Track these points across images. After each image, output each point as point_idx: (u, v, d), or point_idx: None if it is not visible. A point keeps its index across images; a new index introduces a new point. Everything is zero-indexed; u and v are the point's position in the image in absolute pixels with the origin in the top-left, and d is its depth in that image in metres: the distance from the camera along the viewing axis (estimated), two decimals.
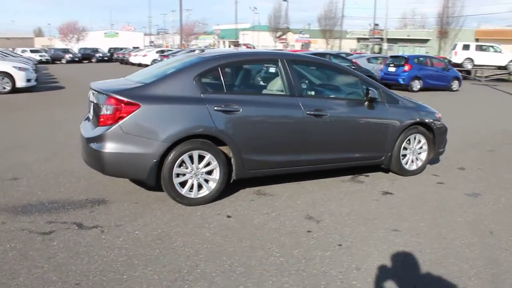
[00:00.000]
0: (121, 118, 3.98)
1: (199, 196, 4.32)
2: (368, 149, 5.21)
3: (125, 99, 4.00)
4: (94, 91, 4.47)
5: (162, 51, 32.92)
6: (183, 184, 4.26)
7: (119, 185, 4.85)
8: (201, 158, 4.27)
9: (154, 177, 4.13)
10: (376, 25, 52.60)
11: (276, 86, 4.76)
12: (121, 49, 43.80)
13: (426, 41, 57.88)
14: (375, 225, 4.02)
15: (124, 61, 36.96)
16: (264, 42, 66.00)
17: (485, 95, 18.27)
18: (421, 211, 4.41)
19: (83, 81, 20.16)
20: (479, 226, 4.09)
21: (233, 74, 4.64)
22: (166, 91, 4.17)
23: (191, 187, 4.29)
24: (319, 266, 3.24)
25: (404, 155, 5.49)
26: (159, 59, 28.32)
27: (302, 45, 63.96)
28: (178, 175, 4.20)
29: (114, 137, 3.99)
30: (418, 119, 5.46)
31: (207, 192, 4.35)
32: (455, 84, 18.95)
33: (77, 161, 5.77)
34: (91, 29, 79.11)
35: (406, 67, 17.75)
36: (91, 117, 4.56)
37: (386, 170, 5.69)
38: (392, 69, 18.13)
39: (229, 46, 72.63)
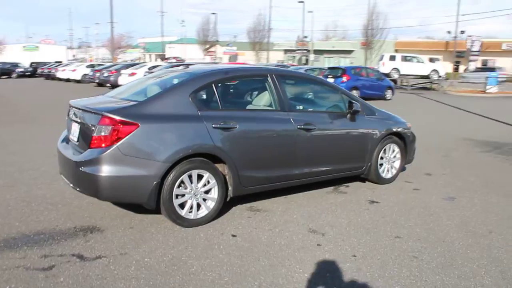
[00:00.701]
0: (119, 139, 3.79)
1: (198, 216, 4.23)
2: (351, 160, 5.43)
3: (123, 119, 3.82)
4: (78, 110, 4.22)
5: (93, 66, 31.57)
6: (181, 205, 4.14)
7: (103, 210, 4.59)
8: (199, 177, 4.19)
9: (155, 200, 3.97)
10: (305, 37, 54.76)
11: (267, 101, 4.82)
12: (45, 63, 41.15)
13: (350, 52, 61.29)
14: (377, 234, 4.20)
15: (50, 76, 34.78)
16: (192, 55, 65.74)
17: (417, 103, 19.72)
18: (412, 217, 4.67)
19: (14, 98, 18.73)
20: (467, 227, 4.43)
21: (226, 90, 4.62)
22: (163, 109, 4.05)
23: (190, 208, 4.18)
24: (345, 277, 3.31)
25: (381, 164, 5.79)
26: (90, 73, 27.06)
27: (230, 58, 64.71)
28: (177, 196, 4.08)
29: (112, 160, 3.78)
30: (393, 129, 5.80)
31: (206, 212, 4.27)
32: (388, 93, 20.27)
33: (45, 186, 5.42)
34: (7, 42, 73.80)
35: (344, 78, 18.69)
36: (75, 138, 4.28)
37: (363, 180, 5.95)
38: (330, 80, 18.95)
39: (155, 60, 71.34)
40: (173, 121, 4.05)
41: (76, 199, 4.92)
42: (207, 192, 4.26)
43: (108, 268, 3.36)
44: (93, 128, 3.91)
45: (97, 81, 25.50)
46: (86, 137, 4.03)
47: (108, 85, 23.83)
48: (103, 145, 3.84)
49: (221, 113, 4.36)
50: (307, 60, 61.35)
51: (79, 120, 4.22)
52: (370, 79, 19.84)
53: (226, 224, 4.33)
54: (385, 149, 5.79)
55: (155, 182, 3.90)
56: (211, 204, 4.28)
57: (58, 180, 5.58)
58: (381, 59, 30.61)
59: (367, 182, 5.94)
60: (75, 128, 4.33)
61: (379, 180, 5.82)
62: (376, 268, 3.50)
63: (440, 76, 29.91)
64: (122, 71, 21.72)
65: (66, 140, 4.67)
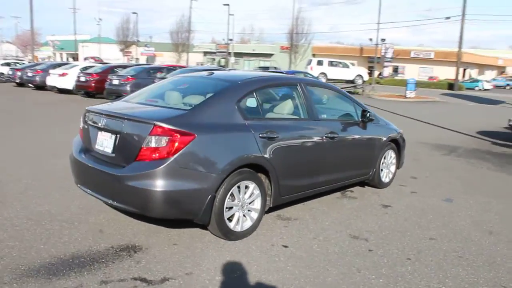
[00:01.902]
0: (176, 150, 3.60)
1: (244, 229, 4.17)
2: (363, 166, 5.70)
3: (179, 129, 3.64)
4: (112, 118, 3.94)
5: (8, 64, 28.74)
6: (229, 218, 4.05)
7: (128, 226, 4.32)
8: (245, 188, 4.14)
9: (209, 214, 3.84)
10: (231, 40, 55.11)
11: (297, 110, 4.87)
12: None
13: (270, 55, 63.00)
14: (413, 237, 4.48)
15: None
16: (107, 55, 62.78)
17: None
18: (430, 219, 5.05)
19: None
20: (482, 226, 4.91)
21: (264, 98, 4.57)
22: (213, 119, 3.94)
23: (237, 221, 4.11)
24: (418, 280, 3.51)
25: (381, 170, 6.14)
26: (10, 72, 24.57)
27: (147, 59, 63.04)
28: (227, 208, 3.99)
29: (168, 173, 3.58)
30: (392, 136, 6.19)
31: (250, 224, 4.22)
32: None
33: (42, 200, 4.96)
34: None
35: None
36: (108, 150, 3.97)
37: (362, 185, 6.26)
38: None
39: (67, 59, 66.91)
40: (225, 131, 3.95)
41: (88, 215, 4.57)
42: (250, 203, 4.21)
43: None
44: (141, 138, 3.68)
45: (18, 80, 23.24)
46: (129, 149, 3.77)
47: (31, 85, 21.90)
48: (154, 156, 3.62)
49: (264, 122, 4.35)
50: (226, 63, 61.88)
51: (114, 129, 3.92)
52: None
53: (269, 235, 4.31)
54: (385, 155, 6.14)
55: (210, 196, 3.78)
56: (254, 215, 4.24)
57: (49, 192, 5.26)
58: (309, 63, 32.07)
59: (366, 187, 6.25)
60: (105, 138, 4.02)
61: (380, 185, 6.16)
62: (434, 269, 3.75)
63: (364, 81, 32.05)
64: (51, 71, 20.05)
65: (85, 150, 4.31)
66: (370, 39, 41.38)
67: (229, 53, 60.22)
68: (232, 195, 3.99)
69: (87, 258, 3.62)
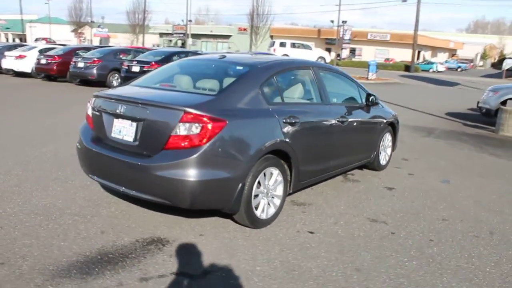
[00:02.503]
0: (209, 138, 3.49)
1: (268, 216, 4.14)
2: (367, 149, 5.79)
3: (212, 115, 3.51)
4: (131, 104, 3.76)
5: None
6: (255, 206, 4.00)
7: (145, 217, 4.17)
8: (270, 175, 4.09)
9: (239, 203, 3.77)
10: (190, 21, 53.92)
11: (312, 94, 4.85)
12: None
13: (228, 36, 62.35)
14: (426, 218, 4.62)
15: None
16: (58, 36, 59.72)
17: None
18: (435, 201, 5.22)
19: None
20: (484, 206, 5.14)
21: (282, 83, 4.49)
22: (240, 104, 3.84)
23: (263, 208, 4.07)
24: (447, 261, 3.63)
25: (380, 152, 6.27)
26: None
27: (101, 40, 60.70)
28: (254, 196, 3.93)
29: (201, 162, 3.46)
30: (389, 119, 6.30)
31: (274, 211, 4.19)
32: None
33: (41, 193, 4.74)
34: None
35: None
36: (129, 138, 3.78)
37: (360, 167, 6.37)
38: None
39: (13, 40, 63.04)
40: (253, 117, 3.87)
41: (98, 207, 4.38)
42: (274, 189, 4.18)
43: (229, 282, 3.14)
44: (170, 126, 3.52)
45: None
46: (155, 137, 3.61)
47: None
48: (184, 144, 3.49)
49: (285, 107, 4.29)
50: (183, 44, 60.69)
51: (135, 116, 3.73)
52: None
53: (290, 221, 4.30)
54: (383, 138, 6.26)
55: (240, 184, 3.70)
56: (277, 201, 4.22)
57: (47, 184, 5.04)
58: (272, 45, 32.01)
59: (364, 169, 6.36)
60: (124, 126, 3.83)
61: (378, 167, 6.30)
62: (458, 249, 3.90)
63: (326, 63, 32.43)
64: (7, 54, 18.78)
65: (96, 139, 4.10)
66: (332, 21, 41.76)
67: (187, 35, 59.01)
68: (258, 182, 3.93)
69: (115, 254, 3.46)
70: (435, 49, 68.24)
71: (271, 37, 55.75)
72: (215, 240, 3.80)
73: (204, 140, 3.47)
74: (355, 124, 5.36)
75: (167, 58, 14.23)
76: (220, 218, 4.21)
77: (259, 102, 4.00)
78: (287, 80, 4.66)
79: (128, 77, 14.14)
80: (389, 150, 6.54)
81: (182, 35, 59.85)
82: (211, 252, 3.57)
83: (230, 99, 3.80)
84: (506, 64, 62.88)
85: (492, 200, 5.37)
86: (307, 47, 32.20)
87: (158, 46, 55.20)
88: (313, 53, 32.02)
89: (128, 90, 4.31)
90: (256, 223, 3.98)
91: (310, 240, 3.91)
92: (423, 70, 51.08)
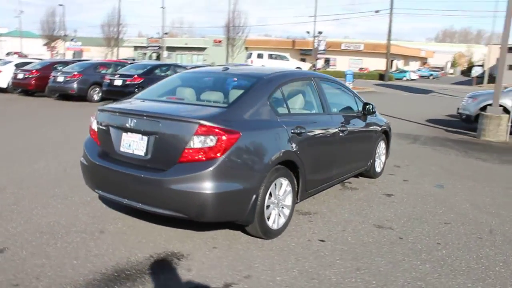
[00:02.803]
0: (224, 150, 3.51)
1: (279, 226, 4.16)
2: (364, 157, 5.90)
3: (226, 128, 3.54)
4: (141, 117, 3.75)
5: None
6: (267, 216, 4.03)
7: (151, 231, 4.12)
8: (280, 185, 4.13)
9: (253, 214, 3.78)
10: (166, 33, 53.78)
11: (314, 104, 4.92)
12: None
13: (203, 49, 62.44)
14: (429, 223, 4.74)
15: None
16: (29, 50, 58.53)
17: None
18: (434, 205, 5.36)
19: None
20: (481, 208, 5.31)
21: (287, 94, 4.54)
22: (251, 115, 3.88)
23: (274, 218, 4.10)
24: (458, 262, 3.73)
25: (375, 160, 6.39)
26: None
27: (74, 54, 59.83)
28: (266, 207, 3.96)
29: (218, 174, 3.48)
30: (383, 127, 6.45)
31: (284, 221, 4.23)
32: None
33: (42, 211, 4.64)
34: None
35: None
36: (139, 152, 3.76)
37: (356, 175, 6.47)
38: None
39: None
40: (264, 128, 3.91)
41: (104, 223, 4.32)
42: (283, 200, 4.22)
43: None
44: (184, 139, 3.53)
45: None
46: (168, 150, 3.60)
47: None
48: (199, 157, 3.50)
49: (291, 118, 4.35)
50: (158, 57, 60.45)
51: (146, 130, 3.72)
52: None
53: (300, 231, 4.34)
54: (378, 146, 6.40)
55: (254, 195, 3.73)
56: (286, 211, 4.25)
57: (46, 201, 4.93)
58: (249, 57, 32.22)
59: (360, 177, 6.47)
60: (134, 140, 3.81)
61: (374, 175, 6.42)
62: (466, 251, 4.01)
63: None
64: None
65: (103, 153, 4.06)
66: (308, 32, 42.49)
67: (161, 48, 58.80)
68: (269, 193, 3.96)
69: (131, 270, 3.42)
70: (407, 58, 70.04)
71: (246, 48, 56.17)
72: (230, 252, 3.80)
73: (219, 153, 3.49)
74: (354, 133, 5.47)
75: (149, 71, 14.19)
76: (230, 230, 4.21)
77: (268, 113, 4.05)
78: (292, 91, 4.73)
79: (110, 91, 14.02)
80: (383, 158, 6.67)
81: (157, 48, 59.58)
82: (228, 264, 3.57)
83: (241, 111, 3.83)
84: (475, 72, 65.10)
85: (487, 202, 5.54)
86: (284, 58, 32.58)
87: (133, 60, 54.81)
88: (290, 64, 32.37)
89: (136, 103, 4.30)
90: (268, 233, 4.00)
91: (323, 248, 3.95)
92: (396, 79, 52.36)
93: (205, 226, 4.18)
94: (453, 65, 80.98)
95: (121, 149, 3.90)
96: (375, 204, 5.31)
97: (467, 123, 12.07)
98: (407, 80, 53.91)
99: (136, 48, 67.34)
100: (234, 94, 4.18)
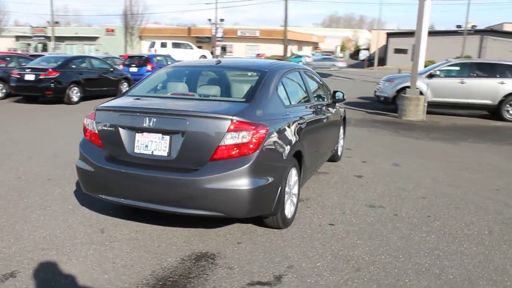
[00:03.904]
0: (258, 145, 3.53)
1: (291, 215, 4.30)
2: (334, 143, 6.26)
3: (257, 123, 3.57)
4: (167, 116, 3.61)
5: None
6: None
7: (168, 234, 4.00)
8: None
9: (278, 206, 3.87)
10: (57, 22, 49.29)
11: (302, 94, 5.08)
12: None
13: (95, 38, 58.85)
14: (409, 198, 5.24)
15: None
16: None
17: None
18: (402, 182, 5.92)
19: None
20: (441, 181, 5.98)
21: (286, 85, 4.59)
22: (268, 109, 3.92)
23: (288, 208, 4.23)
24: (455, 230, 4.24)
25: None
26: None
27: None
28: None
29: (253, 170, 3.49)
30: (343, 113, 6.87)
31: (293, 209, 4.37)
32: None
33: (25, 226, 4.21)
34: None
35: (149, 67, 18.55)
36: (162, 152, 3.61)
37: None
38: (134, 69, 18.49)
39: None
40: (280, 120, 3.98)
41: (116, 231, 4.07)
42: (293, 189, 4.36)
43: (308, 282, 3.26)
44: (216, 136, 3.48)
45: None
46: (198, 148, 3.51)
47: None
48: (233, 154, 3.48)
49: (294, 109, 4.47)
50: (44, 47, 55.73)
51: (169, 129, 3.58)
52: None
53: (306, 217, 4.51)
54: (340, 130, 6.81)
55: (280, 187, 3.82)
56: (294, 200, 4.40)
57: (24, 214, 4.47)
58: (152, 46, 31.25)
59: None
60: (153, 140, 3.64)
61: (337, 158, 6.84)
62: (456, 220, 4.55)
63: None
64: None
65: (110, 157, 3.82)
66: (209, 19, 42.25)
67: (48, 37, 54.11)
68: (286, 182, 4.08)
69: (174, 276, 3.31)
70: (300, 43, 73.25)
71: (140, 37, 54.18)
72: (256, 245, 3.85)
73: (253, 148, 3.51)
74: (330, 120, 5.77)
75: (64, 64, 13.16)
76: (241, 224, 4.24)
77: (280, 106, 4.13)
78: (288, 83, 4.84)
79: (20, 87, 12.73)
80: (342, 142, 7.11)
81: (43, 38, 54.66)
82: (263, 257, 3.62)
83: (261, 105, 3.87)
84: (362, 55, 70.44)
85: (442, 176, 6.25)
86: (189, 47, 32.18)
87: (15, 50, 49.65)
88: (195, 52, 32.08)
89: (142, 101, 4.07)
90: (286, 223, 4.13)
91: (338, 232, 4.18)
92: None
93: (214, 223, 4.16)
94: (342, 49, 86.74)
95: (136, 150, 3.70)
96: (354, 186, 5.68)
97: (386, 104, 13.20)
98: (303, 64, 56.45)
99: (18, 38, 61.03)
100: (245, 88, 4.19)
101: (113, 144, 3.80)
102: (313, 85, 5.56)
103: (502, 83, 11.88)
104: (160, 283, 3.21)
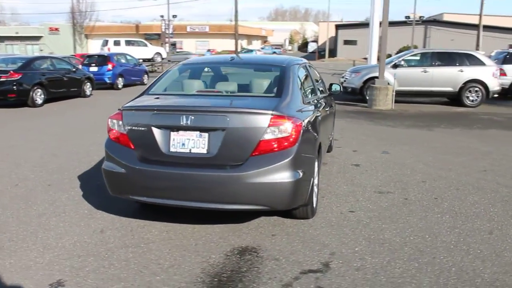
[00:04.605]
0: (296, 139, 3.66)
1: (315, 205, 4.46)
2: (330, 133, 6.48)
3: (294, 117, 3.70)
4: (206, 113, 3.67)
5: None
6: None
7: (198, 231, 4.03)
8: None
9: (311, 196, 4.02)
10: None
11: (312, 88, 5.25)
12: None
13: (38, 38, 56.15)
14: (410, 183, 5.55)
15: None
16: None
17: None
18: (399, 168, 6.24)
19: None
20: (430, 165, 6.36)
21: (300, 80, 4.69)
22: (296, 103, 4.05)
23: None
24: (465, 209, 4.58)
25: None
26: None
27: None
28: None
29: (294, 162, 3.62)
30: (334, 106, 7.11)
31: (316, 200, 4.54)
32: (145, 78, 20.91)
33: (48, 234, 4.10)
34: None
35: (110, 66, 18.05)
36: (201, 150, 3.65)
37: None
38: (94, 68, 17.92)
39: None
40: (307, 114, 4.12)
41: (137, 233, 4.03)
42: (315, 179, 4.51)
43: (355, 266, 3.43)
44: (258, 131, 3.56)
45: None
46: (240, 144, 3.58)
47: None
48: (274, 148, 3.58)
49: (310, 101, 4.62)
50: None
51: (205, 126, 3.62)
52: (130, 65, 19.84)
53: (326, 206, 4.67)
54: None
55: (312, 178, 3.97)
56: (316, 190, 4.55)
57: (38, 221, 4.37)
58: (105, 44, 30.35)
59: None
60: (190, 137, 3.66)
61: (331, 148, 7.08)
62: (460, 202, 4.87)
63: (163, 58, 32.20)
64: None
65: (142, 157, 3.80)
66: (162, 16, 41.50)
67: None
68: None
69: (226, 272, 3.34)
70: (250, 37, 73.55)
71: (86, 36, 52.30)
72: (291, 236, 3.97)
73: (293, 141, 3.63)
74: (330, 111, 5.98)
75: (26, 65, 12.59)
76: (267, 217, 4.33)
77: (301, 99, 4.27)
78: (302, 76, 4.97)
79: None
80: (333, 133, 7.35)
81: None
82: (303, 247, 3.75)
83: (290, 99, 3.99)
84: (311, 47, 71.76)
85: (432, 161, 6.65)
86: (143, 44, 31.50)
87: None
88: (150, 50, 31.47)
89: (172, 100, 4.08)
90: (313, 213, 4.29)
91: (360, 217, 4.39)
92: None
93: (241, 218, 4.23)
94: (291, 42, 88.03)
95: (172, 149, 3.71)
96: (356, 174, 5.93)
97: (353, 95, 13.67)
98: None
99: None
100: (268, 83, 4.30)
101: (146, 144, 3.78)
102: (316, 78, 5.73)
103: (461, 71, 12.65)
104: (216, 279, 3.26)
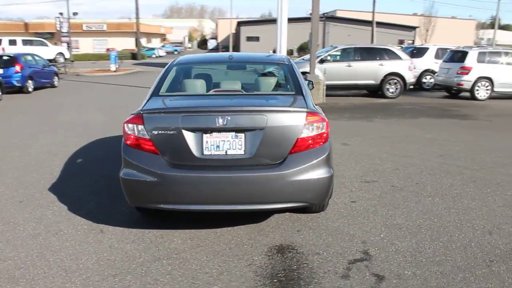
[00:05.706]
0: (327, 135, 3.81)
1: None
2: None
3: (323, 115, 3.84)
4: (243, 113, 3.64)
5: None
6: None
7: (225, 233, 4.00)
8: None
9: (332, 191, 4.19)
10: None
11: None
12: None
13: None
14: (385, 169, 5.99)
15: None
16: None
17: (86, 87, 19.54)
18: (368, 158, 6.67)
19: None
20: (399, 154, 6.90)
21: None
22: (311, 99, 4.17)
23: None
24: (455, 189, 5.09)
25: None
26: None
27: None
28: None
29: (328, 158, 3.77)
30: None
31: None
32: (56, 80, 19.36)
33: (83, 252, 3.79)
34: None
35: (18, 67, 16.37)
36: (238, 151, 3.63)
37: None
38: None
39: None
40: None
41: (167, 244, 3.86)
42: None
43: (386, 251, 3.67)
44: (295, 129, 3.63)
45: None
46: (278, 143, 3.61)
47: None
48: (309, 145, 3.68)
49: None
50: None
51: (241, 126, 3.59)
52: (39, 66, 18.18)
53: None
54: None
55: (332, 172, 4.13)
56: None
57: (55, 237, 4.11)
58: None
59: None
60: (225, 139, 3.60)
61: None
62: (440, 184, 5.40)
63: (66, 59, 30.06)
64: None
65: (171, 162, 3.66)
66: (61, 13, 38.51)
67: None
68: None
69: (280, 272, 3.36)
70: (149, 35, 71.38)
71: None
72: (315, 230, 4.09)
73: (326, 138, 3.78)
74: None
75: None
76: (280, 215, 4.40)
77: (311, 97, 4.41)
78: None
79: None
80: None
81: None
82: (334, 239, 3.89)
83: (309, 96, 4.11)
84: (210, 44, 71.88)
85: (391, 150, 7.20)
86: (43, 44, 29.06)
87: None
88: (51, 50, 29.14)
89: (207, 101, 4.04)
90: (327, 206, 4.46)
91: (365, 207, 4.66)
92: (148, 57, 53.23)
93: (255, 218, 4.26)
94: (190, 39, 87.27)
95: (206, 152, 3.61)
96: (357, 159, 6.25)
97: None
98: (156, 57, 55.45)
99: None
100: (277, 81, 4.39)
101: (175, 148, 3.62)
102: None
103: (381, 65, 13.75)
104: (275, 280, 3.27)
